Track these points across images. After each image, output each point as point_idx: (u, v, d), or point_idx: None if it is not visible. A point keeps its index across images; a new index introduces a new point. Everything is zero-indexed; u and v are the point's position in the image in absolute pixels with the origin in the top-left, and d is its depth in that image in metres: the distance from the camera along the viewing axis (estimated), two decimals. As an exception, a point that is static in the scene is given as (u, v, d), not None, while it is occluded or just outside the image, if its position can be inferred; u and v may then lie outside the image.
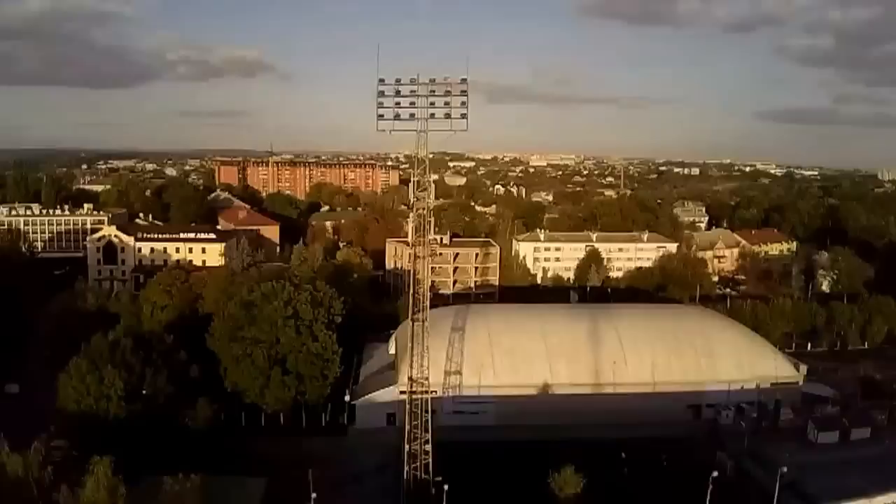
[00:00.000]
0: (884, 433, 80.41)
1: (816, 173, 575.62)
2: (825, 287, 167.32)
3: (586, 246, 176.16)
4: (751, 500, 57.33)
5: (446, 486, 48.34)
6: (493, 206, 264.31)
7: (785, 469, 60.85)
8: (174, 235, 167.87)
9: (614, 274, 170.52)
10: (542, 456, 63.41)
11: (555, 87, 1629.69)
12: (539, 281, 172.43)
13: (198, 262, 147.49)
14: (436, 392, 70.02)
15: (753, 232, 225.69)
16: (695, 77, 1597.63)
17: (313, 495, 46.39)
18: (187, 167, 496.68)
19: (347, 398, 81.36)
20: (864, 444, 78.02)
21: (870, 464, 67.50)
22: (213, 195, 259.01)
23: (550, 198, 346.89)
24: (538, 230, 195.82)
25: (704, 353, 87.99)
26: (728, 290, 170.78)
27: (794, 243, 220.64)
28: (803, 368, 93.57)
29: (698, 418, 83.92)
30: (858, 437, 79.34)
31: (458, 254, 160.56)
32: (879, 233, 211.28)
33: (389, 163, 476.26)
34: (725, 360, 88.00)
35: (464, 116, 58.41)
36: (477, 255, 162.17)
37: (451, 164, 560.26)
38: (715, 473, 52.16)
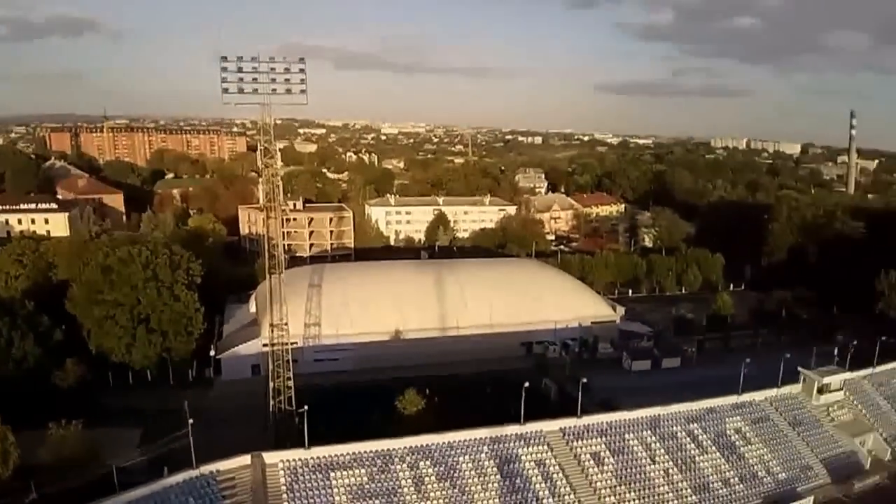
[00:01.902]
0: (692, 362, 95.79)
1: (651, 142, 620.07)
2: (647, 242, 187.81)
3: (434, 209, 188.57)
4: (568, 412, 68.07)
5: (306, 407, 55.37)
6: (346, 173, 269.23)
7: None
8: (14, 207, 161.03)
9: (461, 234, 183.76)
10: (394, 389, 71.75)
11: (404, 56, 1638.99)
12: (392, 242, 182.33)
13: (42, 233, 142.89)
14: (296, 343, 76.77)
15: (586, 196, 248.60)
16: (541, 50, 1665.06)
17: (190, 421, 51.43)
18: (13, 135, 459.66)
19: (213, 353, 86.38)
20: (674, 371, 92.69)
21: (676, 386, 77.74)
22: (47, 164, 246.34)
23: (402, 165, 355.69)
24: (389, 195, 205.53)
25: (535, 298, 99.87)
26: (562, 246, 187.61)
27: (623, 205, 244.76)
28: (620, 309, 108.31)
29: (530, 353, 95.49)
30: (669, 366, 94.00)
31: (312, 219, 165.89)
32: (701, 195, 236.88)
33: (235, 129, 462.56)
34: (553, 303, 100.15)
35: (303, 92, 64.29)
36: (331, 219, 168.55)
37: (301, 132, 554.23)
38: (527, 384, 61.96)
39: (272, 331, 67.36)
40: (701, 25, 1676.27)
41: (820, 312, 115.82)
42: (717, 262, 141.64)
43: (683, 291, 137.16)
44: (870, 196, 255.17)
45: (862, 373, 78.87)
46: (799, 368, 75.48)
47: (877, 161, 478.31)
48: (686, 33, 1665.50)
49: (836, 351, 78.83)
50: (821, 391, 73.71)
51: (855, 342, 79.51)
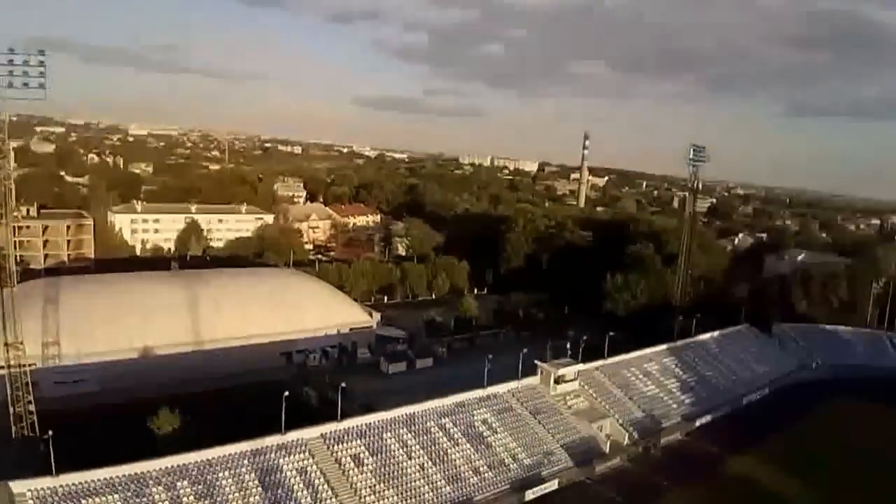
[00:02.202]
0: (443, 361, 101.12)
1: (406, 156, 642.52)
2: (401, 251, 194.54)
3: (186, 217, 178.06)
4: (329, 418, 68.31)
5: (50, 433, 50.40)
6: (87, 177, 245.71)
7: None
8: None
9: (215, 244, 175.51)
10: (146, 409, 67.18)
11: (159, 54, 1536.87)
12: (138, 252, 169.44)
13: None
14: (35, 364, 69.27)
15: (344, 206, 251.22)
16: (302, 60, 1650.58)
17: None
18: None
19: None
20: (428, 371, 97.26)
21: (430, 385, 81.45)
22: None
23: (150, 169, 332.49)
24: (135, 201, 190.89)
25: (293, 307, 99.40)
26: (319, 256, 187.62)
27: (379, 215, 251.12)
28: (377, 315, 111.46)
29: (290, 363, 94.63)
30: (423, 366, 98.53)
31: (47, 227, 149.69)
32: (450, 206, 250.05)
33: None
34: (311, 312, 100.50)
35: (41, 86, 59.26)
36: (69, 227, 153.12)
37: (38, 129, 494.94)
38: (287, 393, 61.64)
39: (7, 351, 60.18)
40: (453, 49, 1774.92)
41: (554, 312, 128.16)
42: (463, 268, 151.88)
43: (434, 296, 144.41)
44: (598, 209, 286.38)
45: (594, 364, 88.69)
46: (536, 362, 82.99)
47: (606, 178, 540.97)
48: (439, 56, 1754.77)
49: (568, 345, 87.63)
50: (557, 381, 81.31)
51: (585, 337, 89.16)
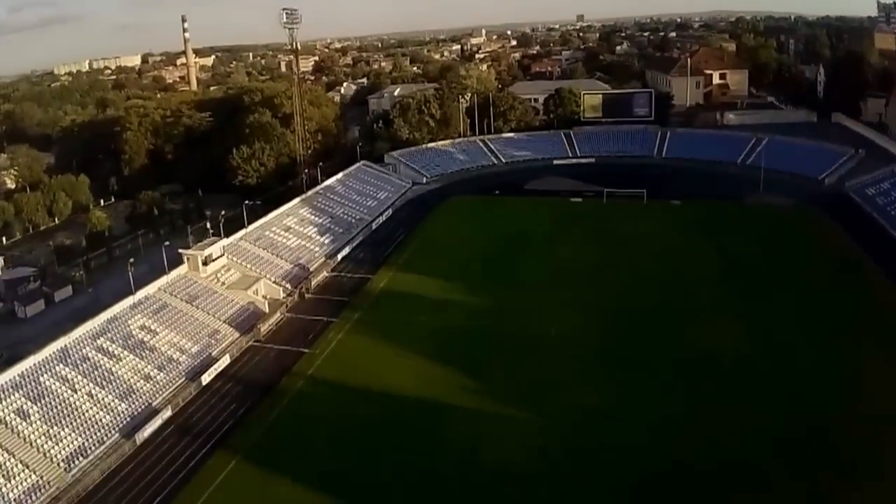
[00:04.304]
0: (84, 285, 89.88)
1: None
2: (11, 184, 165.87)
3: None
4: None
5: None
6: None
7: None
8: None
9: None
10: None
11: None
12: None
13: None
14: None
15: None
16: None
17: None
18: None
19: None
20: (70, 300, 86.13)
21: (77, 313, 73.64)
22: None
23: None
24: None
25: None
26: None
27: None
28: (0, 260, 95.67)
29: None
30: (63, 297, 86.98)
31: None
32: (54, 123, 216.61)
33: None
34: None
35: None
36: None
37: None
38: None
39: None
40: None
41: (189, 200, 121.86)
42: (84, 183, 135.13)
43: (57, 221, 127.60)
44: (212, 88, 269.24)
45: (237, 236, 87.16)
46: (179, 251, 78.91)
47: (213, 57, 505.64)
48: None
49: (208, 225, 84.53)
50: (205, 263, 78.34)
51: (223, 213, 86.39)
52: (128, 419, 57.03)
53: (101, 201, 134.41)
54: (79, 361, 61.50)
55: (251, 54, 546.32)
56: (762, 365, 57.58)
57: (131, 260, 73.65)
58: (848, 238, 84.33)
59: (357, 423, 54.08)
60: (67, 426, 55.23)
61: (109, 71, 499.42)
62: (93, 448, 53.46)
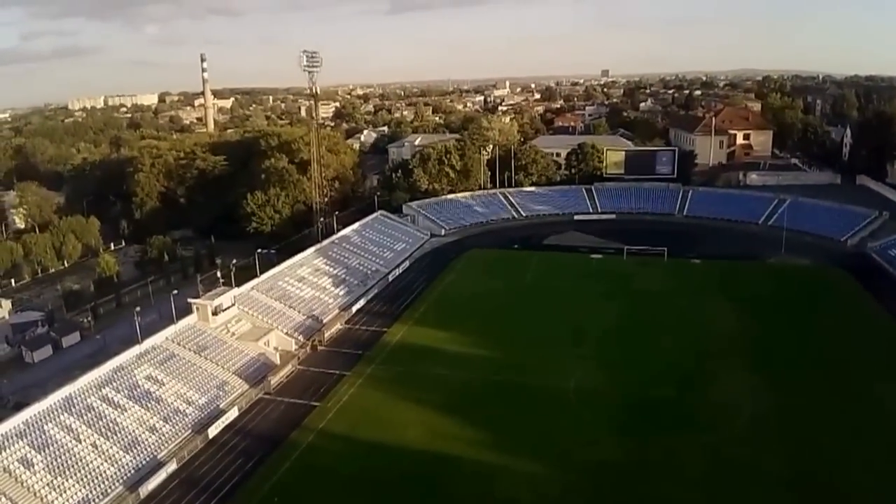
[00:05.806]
0: (91, 332, 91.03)
1: (8, 115, 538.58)
2: (19, 224, 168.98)
3: None
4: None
5: None
6: None
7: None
8: None
9: None
10: None
11: None
12: None
13: None
14: None
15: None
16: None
17: None
18: None
19: None
20: (77, 347, 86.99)
21: (83, 360, 74.71)
22: None
23: None
24: None
25: None
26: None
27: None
28: (7, 303, 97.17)
29: None
30: (70, 344, 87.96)
31: None
32: (66, 160, 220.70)
33: None
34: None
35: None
36: None
37: None
38: None
39: None
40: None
41: (200, 246, 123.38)
42: (93, 225, 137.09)
43: (66, 264, 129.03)
44: (229, 131, 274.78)
45: (248, 285, 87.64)
46: (188, 300, 79.74)
47: (232, 99, 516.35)
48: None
49: (219, 274, 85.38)
50: (215, 313, 78.78)
51: (235, 261, 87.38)
52: (132, 471, 57.00)
53: (112, 244, 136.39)
54: (83, 411, 61.77)
55: (271, 97, 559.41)
56: (776, 424, 58.76)
57: (137, 308, 74.28)
58: (870, 297, 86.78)
59: (367, 479, 53.86)
60: (71, 477, 55.24)
61: (125, 109, 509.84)
62: (97, 500, 53.39)
